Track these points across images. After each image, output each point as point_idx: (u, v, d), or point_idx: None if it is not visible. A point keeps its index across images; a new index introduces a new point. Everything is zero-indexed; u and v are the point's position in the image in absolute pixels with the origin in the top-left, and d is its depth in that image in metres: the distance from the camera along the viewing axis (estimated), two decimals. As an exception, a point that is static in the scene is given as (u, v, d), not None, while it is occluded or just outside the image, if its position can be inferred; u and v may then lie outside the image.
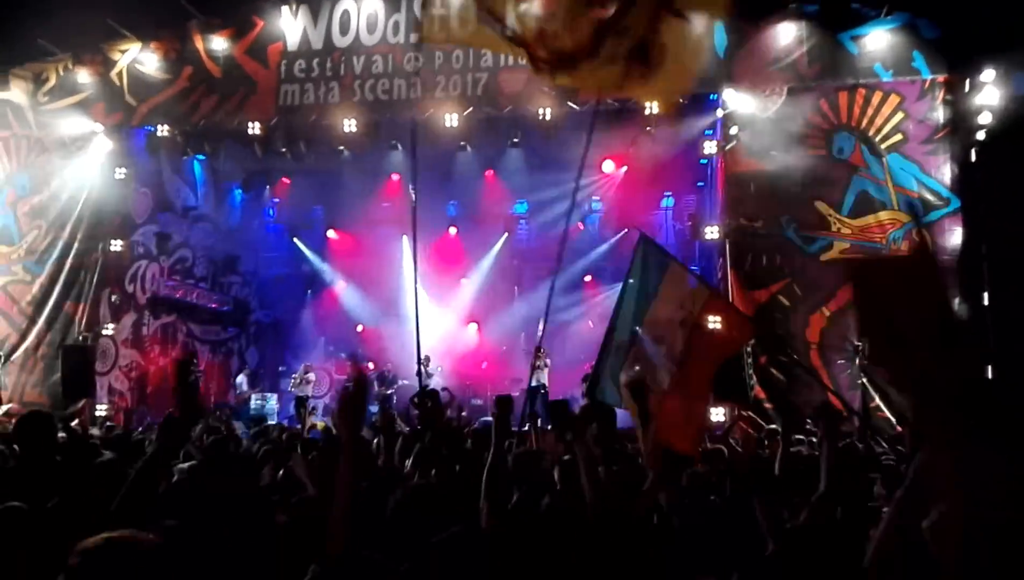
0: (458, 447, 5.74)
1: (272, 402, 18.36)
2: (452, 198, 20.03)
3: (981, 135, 12.92)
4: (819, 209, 13.38)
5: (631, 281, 7.91)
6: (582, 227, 19.74)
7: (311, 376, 18.30)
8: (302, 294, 21.75)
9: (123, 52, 16.25)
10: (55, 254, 16.50)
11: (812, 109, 13.60)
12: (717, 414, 12.17)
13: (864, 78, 13.44)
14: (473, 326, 20.43)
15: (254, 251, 21.32)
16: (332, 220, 20.95)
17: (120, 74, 16.29)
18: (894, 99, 13.32)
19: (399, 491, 3.41)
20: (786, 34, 13.73)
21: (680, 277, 7.30)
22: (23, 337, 16.33)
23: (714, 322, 6.90)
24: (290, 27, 15.54)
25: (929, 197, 13.04)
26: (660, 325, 7.24)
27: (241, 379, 18.21)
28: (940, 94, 13.17)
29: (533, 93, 14.44)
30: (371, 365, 19.48)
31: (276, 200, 21.03)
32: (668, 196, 19.12)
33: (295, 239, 21.56)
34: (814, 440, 7.57)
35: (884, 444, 9.83)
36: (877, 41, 13.42)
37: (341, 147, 16.56)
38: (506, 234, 20.60)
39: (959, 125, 13.03)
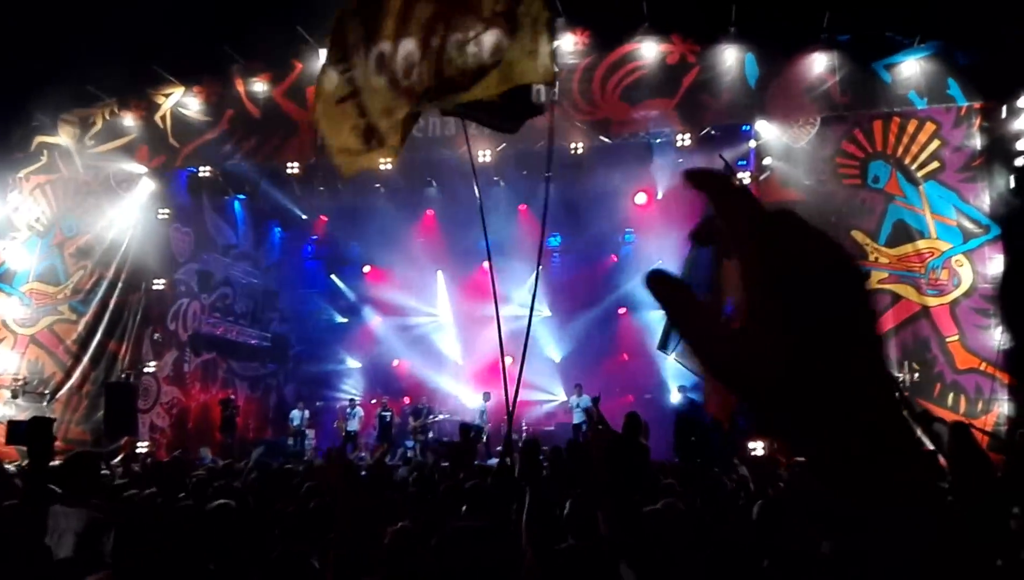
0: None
1: (310, 438, 18.47)
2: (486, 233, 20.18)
3: (1020, 161, 12.77)
4: (856, 238, 13.27)
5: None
6: (615, 259, 19.75)
7: (359, 411, 18.45)
8: (340, 330, 21.98)
9: (167, 96, 16.77)
10: (100, 293, 16.94)
11: (846, 138, 13.57)
12: (756, 448, 12.03)
13: (898, 106, 13.39)
14: (508, 360, 20.42)
15: (293, 288, 21.66)
16: (369, 256, 21.21)
17: (164, 117, 16.78)
18: (930, 127, 13.24)
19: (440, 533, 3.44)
20: (819, 64, 13.75)
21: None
22: (68, 375, 16.72)
23: None
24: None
25: (968, 225, 12.87)
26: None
27: (295, 413, 18.38)
28: (976, 121, 13.06)
29: (565, 128, 14.60)
30: (406, 399, 19.59)
31: (314, 237, 21.39)
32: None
33: (332, 276, 21.87)
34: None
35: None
36: (911, 69, 13.39)
37: (377, 185, 16.85)
38: (540, 268, 20.65)
39: (996, 151, 12.90)
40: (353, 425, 18.05)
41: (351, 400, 19.01)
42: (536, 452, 4.24)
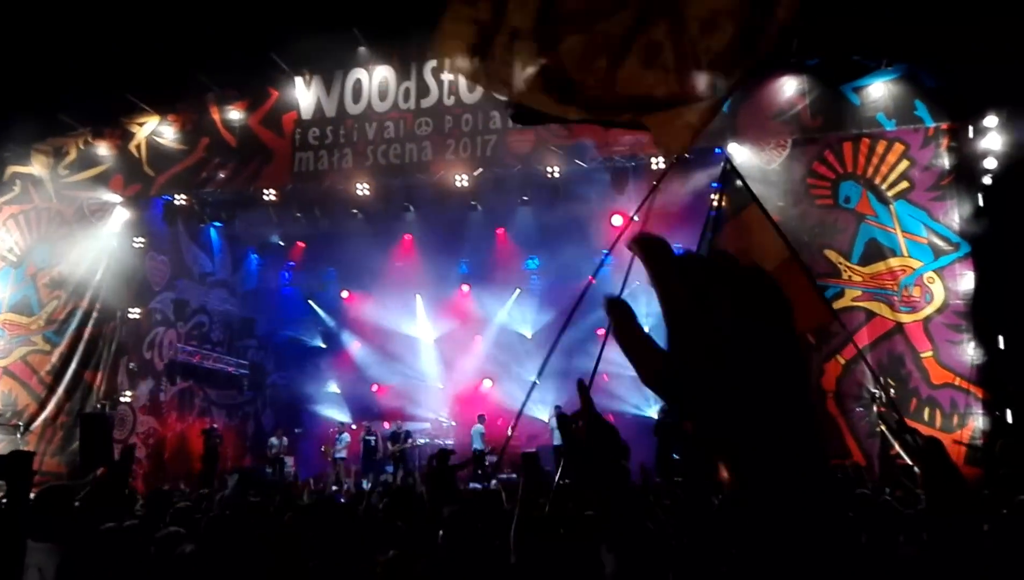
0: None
1: (289, 465, 18.30)
2: (464, 256, 20.24)
3: (987, 180, 13.05)
4: (829, 257, 13.47)
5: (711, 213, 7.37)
6: (593, 281, 19.83)
7: (345, 437, 18.35)
8: (318, 355, 21.87)
9: (141, 125, 16.72)
10: (74, 323, 16.76)
11: (817, 159, 13.80)
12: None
13: (867, 128, 13.65)
14: (488, 382, 20.44)
15: (270, 314, 21.53)
16: (346, 281, 21.18)
17: (139, 146, 16.73)
18: (898, 147, 13.50)
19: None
20: (788, 87, 14.00)
21: (758, 221, 6.76)
22: (42, 406, 16.49)
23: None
24: (304, 97, 15.98)
25: (939, 242, 13.11)
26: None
27: (273, 441, 18.22)
28: (944, 141, 13.34)
29: (541, 152, 14.73)
30: (385, 424, 19.50)
31: (291, 264, 21.31)
32: (678, 247, 19.18)
33: (310, 301, 21.79)
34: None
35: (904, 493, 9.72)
36: (879, 91, 13.67)
37: (355, 210, 16.88)
38: (518, 291, 20.74)
39: (964, 171, 13.17)
40: (341, 452, 17.95)
41: (340, 425, 18.91)
42: (536, 462, 4.26)
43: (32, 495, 4.83)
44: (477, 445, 16.67)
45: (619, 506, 1.59)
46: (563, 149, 14.63)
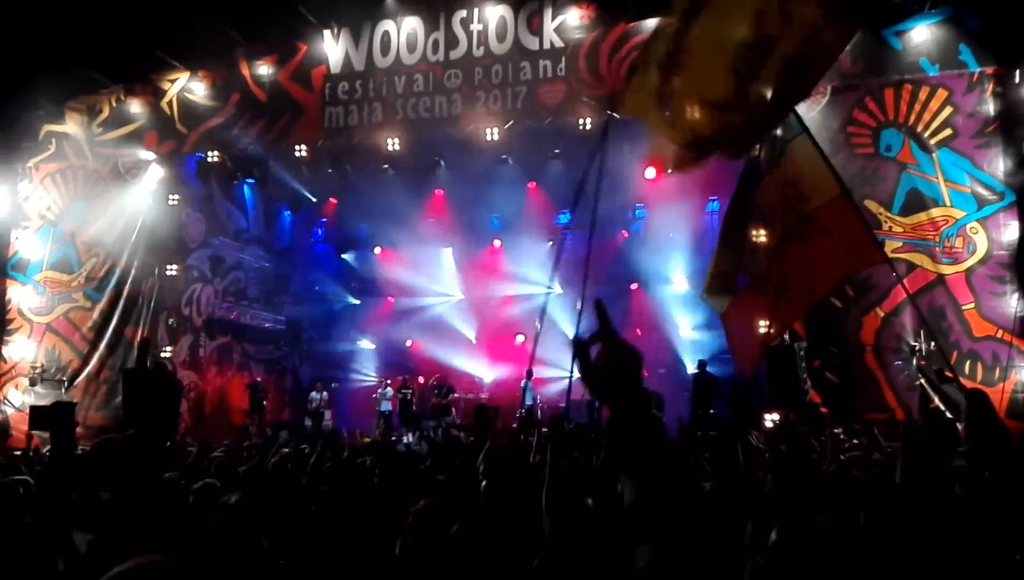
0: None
1: (327, 419, 18.58)
2: (495, 211, 20.15)
3: (1034, 126, 12.61)
4: (869, 208, 13.14)
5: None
6: (626, 235, 19.67)
7: (389, 391, 18.57)
8: (352, 311, 22.05)
9: (172, 81, 16.73)
10: (113, 280, 17.02)
11: (857, 107, 13.42)
12: (770, 419, 12.03)
13: (910, 73, 13.22)
14: (520, 337, 20.47)
15: (304, 271, 21.72)
16: (379, 237, 21.22)
17: (170, 103, 16.76)
18: (942, 93, 13.07)
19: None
20: (828, 32, 13.54)
21: (808, 154, 6.52)
22: (85, 362, 16.85)
23: (829, 229, 6.06)
24: (332, 50, 15.85)
25: (982, 192, 12.74)
26: (767, 198, 6.59)
27: (314, 395, 18.52)
28: (989, 87, 12.87)
29: (573, 104, 14.51)
30: (420, 379, 19.67)
31: (324, 220, 21.39)
32: (714, 200, 18.95)
33: (343, 257, 21.91)
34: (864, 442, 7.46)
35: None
36: (921, 36, 13.20)
37: (385, 165, 16.82)
38: (550, 244, 20.63)
39: (1010, 117, 12.72)
40: (385, 406, 18.17)
41: (383, 381, 19.10)
42: (561, 425, 4.22)
43: (87, 449, 4.93)
44: (528, 401, 16.70)
45: (643, 442, 1.55)
46: (595, 100, 14.39)
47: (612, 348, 1.61)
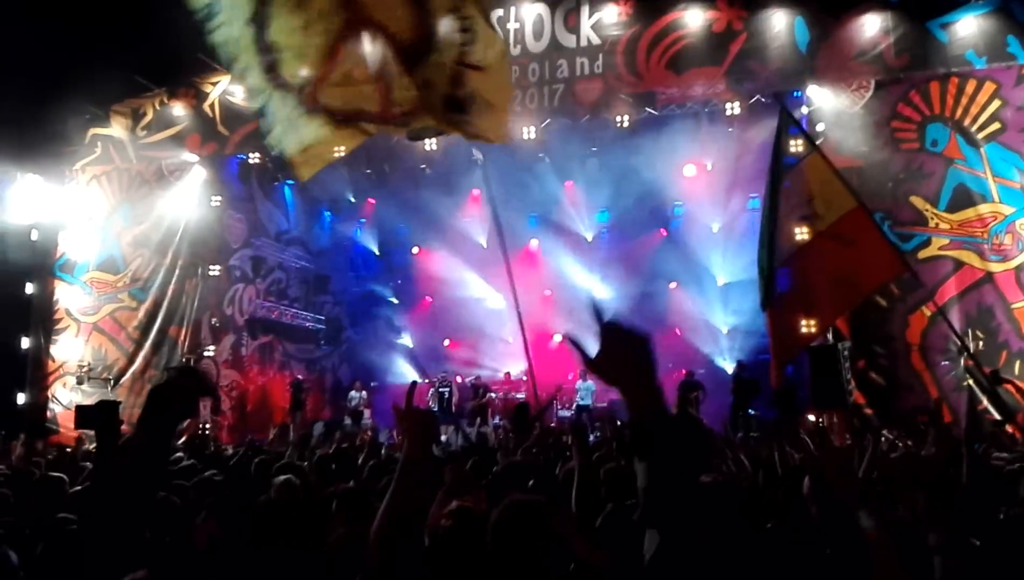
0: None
1: (367, 417, 18.71)
2: (532, 210, 20.12)
3: (1087, 119, 12.24)
4: (915, 204, 12.89)
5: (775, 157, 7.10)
6: (665, 233, 19.51)
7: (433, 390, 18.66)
8: (391, 311, 22.20)
9: (214, 84, 16.97)
10: (158, 281, 17.33)
11: (902, 101, 13.14)
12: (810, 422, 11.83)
13: (956, 66, 12.90)
14: (558, 337, 20.41)
15: (344, 271, 21.92)
16: (417, 237, 21.33)
17: (212, 105, 17.00)
18: (989, 86, 12.73)
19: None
20: (871, 25, 13.30)
21: (821, 171, 6.50)
22: (131, 361, 17.19)
23: (850, 240, 6.14)
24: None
25: (1033, 187, 12.40)
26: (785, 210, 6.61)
27: (354, 394, 18.68)
28: (1040, 79, 12.53)
29: (610, 101, 14.41)
30: (458, 378, 19.71)
31: (363, 220, 21.55)
32: (754, 197, 18.70)
33: (382, 258, 22.06)
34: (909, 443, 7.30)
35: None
36: (968, 27, 12.87)
37: (423, 165, 16.88)
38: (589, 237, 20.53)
39: (1062, 110, 12.37)
40: (433, 404, 18.25)
41: (432, 378, 19.14)
42: (585, 433, 4.22)
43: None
44: (585, 401, 16.66)
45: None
46: (632, 97, 14.29)
47: (609, 339, 1.62)
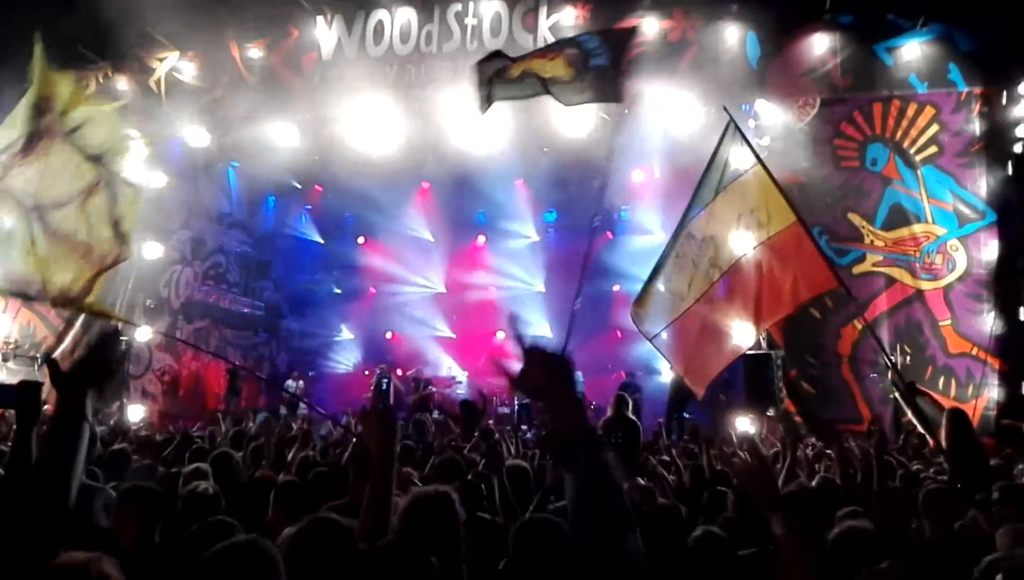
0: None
1: (302, 408, 18.47)
2: (481, 206, 20.12)
3: (1018, 148, 12.76)
4: (852, 221, 13.27)
5: (709, 166, 7.18)
6: (611, 236, 19.69)
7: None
8: (333, 300, 21.95)
9: (161, 60, 16.55)
10: (92, 258, 16.81)
11: (846, 120, 13.52)
12: (744, 425, 12.07)
13: (899, 89, 13.33)
14: (501, 334, 20.47)
15: (286, 258, 21.56)
16: (363, 227, 21.13)
17: (158, 82, 16.57)
18: (929, 111, 13.19)
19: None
20: (820, 45, 13.64)
21: (765, 184, 6.64)
22: (60, 339, 16.64)
23: (787, 253, 6.27)
24: (325, 37, 15.72)
25: (964, 210, 12.88)
26: (717, 221, 6.71)
27: (289, 383, 18.40)
28: (976, 107, 13.02)
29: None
30: (399, 371, 19.62)
31: (308, 207, 21.25)
32: (698, 206, 19.00)
33: (326, 246, 21.79)
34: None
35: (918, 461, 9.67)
36: (912, 52, 13.31)
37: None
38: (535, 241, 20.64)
39: (995, 138, 12.88)
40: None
41: (378, 367, 18.98)
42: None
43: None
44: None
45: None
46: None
47: (531, 361, 1.72)
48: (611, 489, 1.61)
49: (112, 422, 11.72)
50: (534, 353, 1.72)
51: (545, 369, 1.70)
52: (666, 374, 16.86)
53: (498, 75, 7.24)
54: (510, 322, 1.82)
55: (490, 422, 15.17)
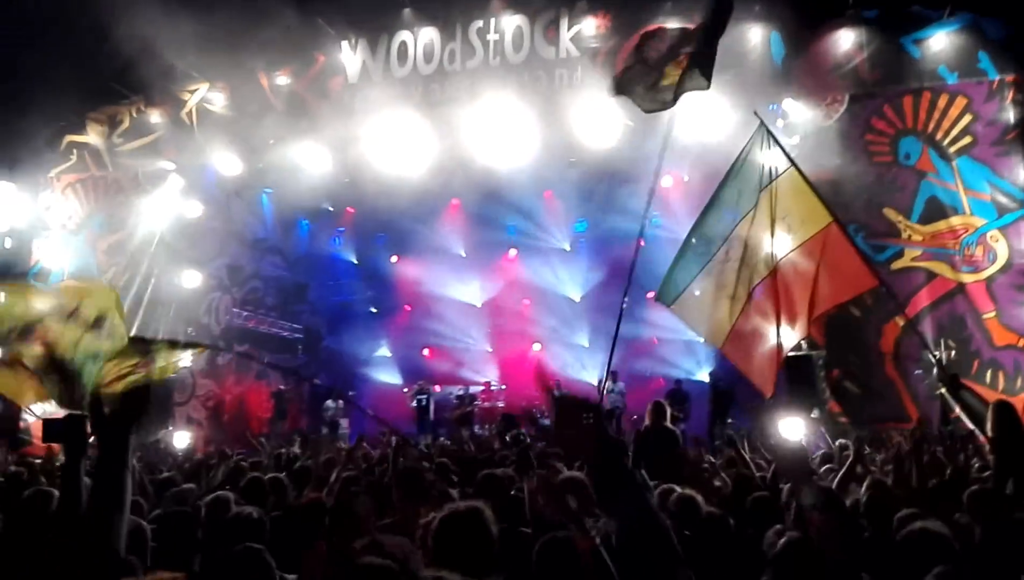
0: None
1: (344, 427, 18.61)
2: (511, 220, 20.15)
3: (1055, 133, 12.50)
4: (888, 216, 13.09)
5: (737, 168, 7.16)
6: (643, 244, 19.54)
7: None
8: (369, 320, 22.10)
9: (192, 92, 16.88)
10: (133, 289, 17.14)
11: (876, 115, 13.36)
12: (791, 428, 11.91)
13: (929, 81, 13.15)
14: (537, 346, 20.45)
15: (321, 279, 21.79)
16: (396, 246, 21.28)
17: (190, 114, 16.91)
18: (961, 101, 12.98)
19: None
20: (845, 40, 13.52)
21: (798, 186, 6.56)
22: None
23: (824, 257, 6.24)
24: (350, 61, 15.93)
25: (1003, 199, 12.64)
26: (757, 225, 6.71)
27: (329, 403, 18.58)
28: (1009, 94, 12.79)
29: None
30: (437, 387, 19.69)
31: (341, 229, 21.45)
32: (729, 209, 18.83)
33: (361, 266, 21.97)
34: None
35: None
36: (940, 43, 13.13)
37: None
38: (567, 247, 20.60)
39: (1031, 125, 12.63)
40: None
41: (415, 384, 19.15)
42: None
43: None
44: (617, 404, 16.57)
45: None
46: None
47: (560, 414, 1.84)
48: (655, 530, 1.64)
49: (159, 448, 11.95)
50: (564, 407, 1.81)
51: (575, 422, 1.78)
52: (705, 380, 16.73)
53: (647, 83, 7.18)
54: (538, 376, 1.94)
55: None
